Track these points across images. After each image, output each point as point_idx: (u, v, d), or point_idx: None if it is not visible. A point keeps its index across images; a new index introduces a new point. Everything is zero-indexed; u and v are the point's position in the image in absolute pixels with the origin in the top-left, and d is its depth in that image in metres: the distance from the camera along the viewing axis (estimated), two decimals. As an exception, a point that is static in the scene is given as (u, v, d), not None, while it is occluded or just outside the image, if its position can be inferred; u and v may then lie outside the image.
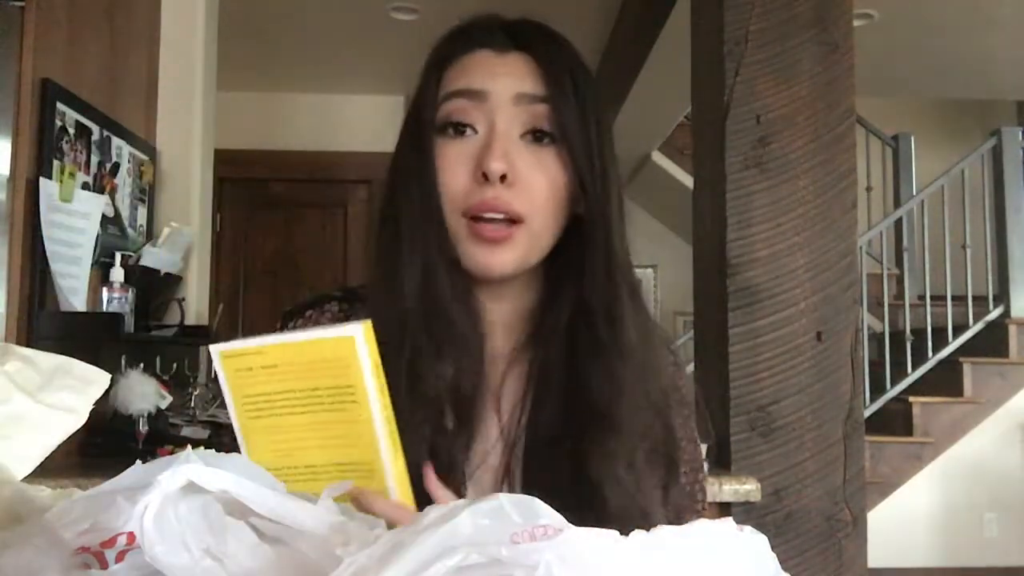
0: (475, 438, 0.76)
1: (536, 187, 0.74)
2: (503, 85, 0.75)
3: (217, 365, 0.65)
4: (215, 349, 0.65)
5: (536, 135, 0.75)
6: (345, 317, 0.81)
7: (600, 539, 0.40)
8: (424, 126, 0.76)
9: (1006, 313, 4.56)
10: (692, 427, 0.83)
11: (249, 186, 4.88)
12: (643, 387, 0.75)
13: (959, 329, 4.51)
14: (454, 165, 0.74)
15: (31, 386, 0.61)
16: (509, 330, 0.80)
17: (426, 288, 0.74)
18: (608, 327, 0.75)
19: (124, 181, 2.54)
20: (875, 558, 2.13)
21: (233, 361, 0.65)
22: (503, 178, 0.72)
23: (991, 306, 4.58)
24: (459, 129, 0.75)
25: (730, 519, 0.43)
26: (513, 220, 0.74)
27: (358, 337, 0.63)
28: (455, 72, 0.77)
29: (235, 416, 0.66)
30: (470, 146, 0.74)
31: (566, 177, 0.75)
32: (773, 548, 0.45)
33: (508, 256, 0.74)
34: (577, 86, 0.76)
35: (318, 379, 0.64)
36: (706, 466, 1.90)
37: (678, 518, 0.78)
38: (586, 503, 0.70)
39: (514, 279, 0.78)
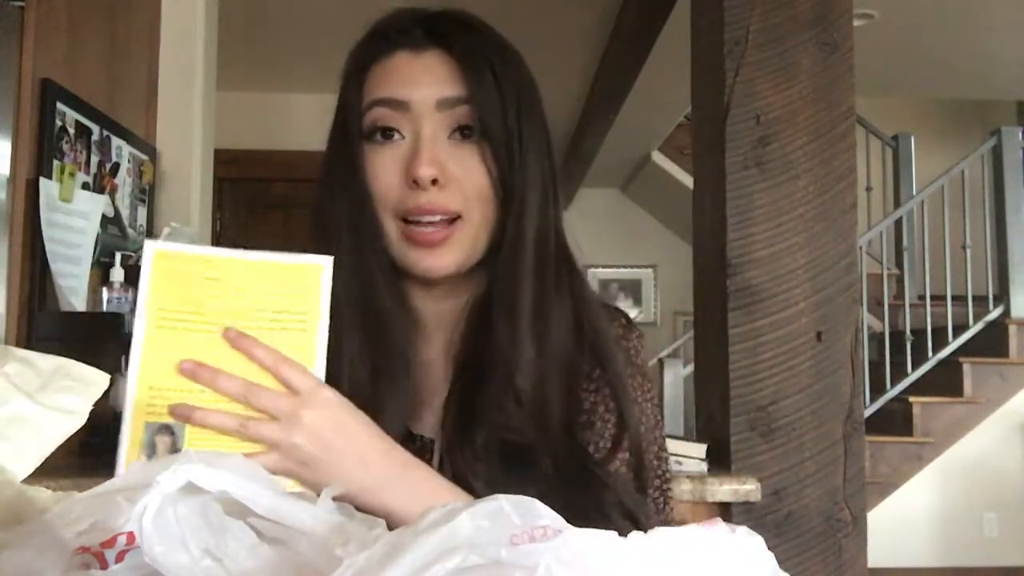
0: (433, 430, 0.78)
1: (469, 184, 0.76)
2: (424, 93, 0.76)
3: (147, 263, 0.61)
4: (152, 245, 0.61)
5: (463, 132, 0.76)
6: None
7: (599, 540, 0.40)
8: (351, 134, 0.78)
9: (1006, 313, 4.55)
10: (643, 387, 0.84)
11: (249, 186, 4.88)
12: (544, 391, 0.76)
13: (959, 329, 4.51)
14: (385, 169, 0.76)
15: (30, 387, 0.61)
16: (455, 322, 0.81)
17: (361, 293, 0.76)
18: (504, 311, 0.76)
19: (124, 181, 2.53)
20: (875, 558, 2.13)
21: (169, 263, 0.61)
22: (435, 182, 0.74)
23: (991, 306, 4.58)
24: (386, 134, 0.77)
25: (718, 519, 0.43)
26: (451, 219, 0.75)
27: (326, 267, 0.62)
28: (376, 78, 0.78)
29: (144, 322, 0.63)
30: (399, 150, 0.76)
31: (494, 170, 0.76)
32: (773, 548, 0.45)
33: (449, 258, 0.76)
34: (497, 77, 0.77)
35: (267, 301, 0.62)
36: (705, 466, 1.90)
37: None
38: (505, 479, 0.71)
39: (457, 277, 0.79)
